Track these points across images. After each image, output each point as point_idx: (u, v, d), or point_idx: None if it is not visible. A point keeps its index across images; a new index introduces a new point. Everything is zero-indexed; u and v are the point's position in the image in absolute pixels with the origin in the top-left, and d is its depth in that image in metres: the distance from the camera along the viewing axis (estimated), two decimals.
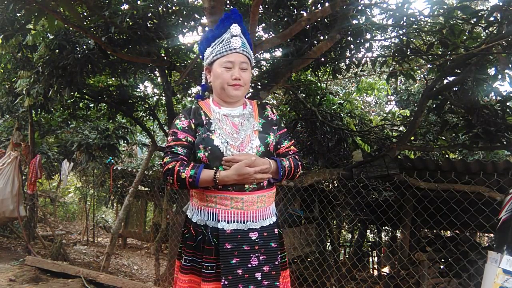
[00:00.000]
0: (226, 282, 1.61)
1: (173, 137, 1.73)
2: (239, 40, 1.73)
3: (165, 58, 5.24)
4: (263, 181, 1.71)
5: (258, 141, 1.72)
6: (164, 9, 4.61)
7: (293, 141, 1.90)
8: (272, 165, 1.71)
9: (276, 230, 1.75)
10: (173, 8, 4.73)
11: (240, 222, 1.67)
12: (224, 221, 1.66)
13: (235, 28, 1.74)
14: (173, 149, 1.69)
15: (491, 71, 4.30)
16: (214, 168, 1.65)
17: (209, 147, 1.66)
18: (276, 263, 1.70)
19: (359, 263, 6.33)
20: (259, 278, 1.66)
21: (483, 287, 2.76)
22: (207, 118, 1.75)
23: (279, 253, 1.73)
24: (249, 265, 1.66)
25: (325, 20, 4.73)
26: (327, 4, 4.39)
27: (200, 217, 1.71)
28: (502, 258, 2.54)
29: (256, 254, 1.67)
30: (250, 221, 1.69)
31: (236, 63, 1.71)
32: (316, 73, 5.90)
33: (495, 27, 3.93)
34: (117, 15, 4.05)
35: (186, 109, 1.83)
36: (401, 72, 4.82)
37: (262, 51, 4.77)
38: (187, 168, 1.62)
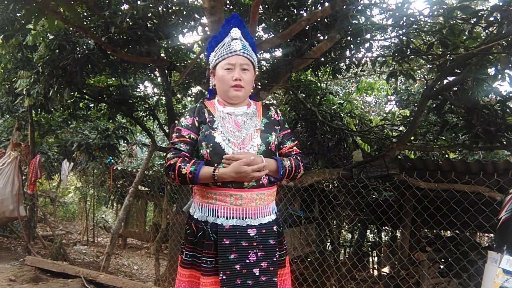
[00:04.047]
0: (224, 277, 1.65)
1: (177, 134, 1.80)
2: (239, 43, 1.80)
3: (165, 58, 5.24)
4: (262, 179, 1.74)
5: (259, 139, 1.76)
6: (164, 9, 4.61)
7: (296, 142, 1.90)
8: (271, 164, 1.74)
9: (275, 227, 1.77)
10: (173, 8, 4.73)
11: (239, 219, 1.71)
12: (223, 217, 1.71)
13: (235, 32, 1.81)
14: (176, 146, 1.76)
15: (491, 71, 4.29)
16: (215, 165, 1.69)
17: (211, 144, 1.72)
18: (274, 259, 1.73)
19: (359, 263, 6.33)
20: (257, 274, 1.69)
21: (483, 287, 2.76)
22: (210, 116, 1.81)
23: (277, 249, 1.75)
24: (247, 261, 1.69)
25: (325, 20, 4.73)
26: (327, 4, 4.39)
27: (201, 213, 1.76)
28: (502, 258, 2.55)
29: (254, 250, 1.70)
30: (248, 217, 1.72)
31: (236, 65, 1.77)
32: (316, 73, 5.89)
33: (495, 27, 3.93)
34: (117, 15, 4.05)
35: (191, 108, 1.90)
36: (401, 72, 4.82)
37: (262, 51, 4.77)
38: (187, 164, 1.68)
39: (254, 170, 1.64)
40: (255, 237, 1.71)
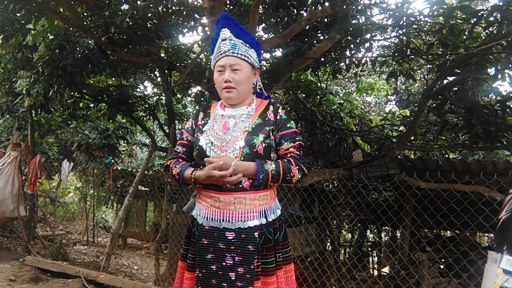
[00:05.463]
0: (200, 275, 1.71)
1: (179, 136, 1.95)
2: (228, 43, 1.78)
3: (165, 58, 5.24)
4: (242, 183, 1.70)
5: (242, 142, 1.72)
6: (164, 9, 4.62)
7: (296, 143, 1.79)
8: (250, 168, 1.69)
9: (256, 233, 1.70)
10: (173, 8, 4.73)
11: (216, 221, 1.73)
12: (204, 217, 1.75)
13: (224, 33, 1.80)
14: (175, 148, 1.91)
15: (491, 71, 4.29)
16: (201, 167, 1.75)
17: (197, 147, 1.79)
18: (252, 266, 1.67)
19: (359, 263, 6.33)
20: (233, 278, 1.67)
21: (483, 287, 2.75)
22: (206, 118, 1.86)
23: (256, 257, 1.69)
24: (224, 263, 1.69)
25: (325, 20, 4.73)
26: (327, 4, 4.39)
27: (196, 211, 1.84)
28: (502, 258, 2.54)
29: (232, 254, 1.69)
30: (226, 221, 1.71)
31: (226, 66, 1.77)
32: (316, 73, 5.89)
33: (495, 27, 3.93)
34: (117, 15, 4.06)
35: (196, 109, 2.00)
36: (401, 72, 4.82)
37: (262, 51, 4.77)
38: (177, 165, 1.80)
39: (221, 176, 1.63)
40: (233, 240, 1.69)
